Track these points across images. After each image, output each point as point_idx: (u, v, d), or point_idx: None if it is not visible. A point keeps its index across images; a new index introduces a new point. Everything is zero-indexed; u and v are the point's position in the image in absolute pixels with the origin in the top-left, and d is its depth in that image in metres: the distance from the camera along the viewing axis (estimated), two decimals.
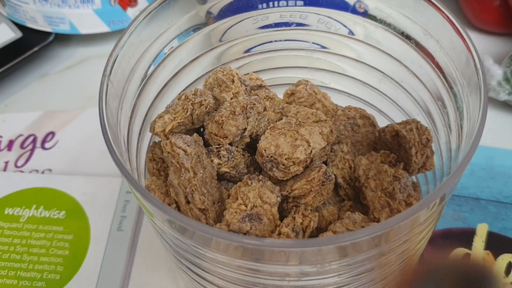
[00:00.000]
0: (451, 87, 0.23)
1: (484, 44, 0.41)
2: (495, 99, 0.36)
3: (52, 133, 0.39)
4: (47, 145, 0.38)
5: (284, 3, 0.31)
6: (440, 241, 0.30)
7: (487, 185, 0.32)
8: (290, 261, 0.17)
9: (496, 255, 0.29)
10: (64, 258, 0.31)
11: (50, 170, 0.37)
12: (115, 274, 0.30)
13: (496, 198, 0.32)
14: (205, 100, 0.26)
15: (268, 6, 0.31)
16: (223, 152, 0.25)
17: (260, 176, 0.24)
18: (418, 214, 0.18)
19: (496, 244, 0.30)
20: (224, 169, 0.25)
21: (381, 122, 0.29)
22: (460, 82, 0.22)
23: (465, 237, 0.30)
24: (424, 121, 0.26)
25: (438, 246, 0.30)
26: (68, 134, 0.39)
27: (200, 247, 0.19)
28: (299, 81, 0.30)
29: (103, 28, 0.42)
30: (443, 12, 0.22)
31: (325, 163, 0.27)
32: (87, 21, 0.42)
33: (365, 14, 0.28)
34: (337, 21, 0.30)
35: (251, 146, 0.27)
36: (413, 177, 0.28)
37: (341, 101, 0.30)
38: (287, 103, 0.29)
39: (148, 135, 0.27)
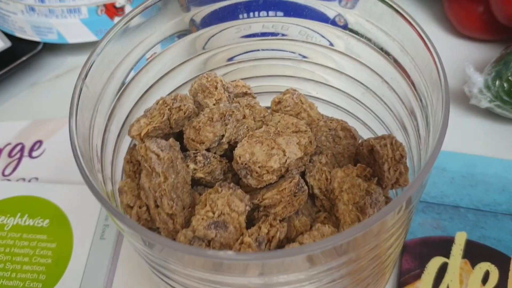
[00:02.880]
0: (423, 106, 0.23)
1: (468, 51, 0.41)
2: (477, 106, 0.36)
3: (39, 142, 0.39)
4: (34, 153, 0.39)
5: (265, 13, 0.31)
6: (419, 250, 0.30)
7: (467, 193, 0.32)
8: (249, 273, 0.17)
9: (473, 263, 0.29)
10: (46, 267, 0.31)
11: (36, 178, 0.37)
12: (97, 283, 0.31)
13: (476, 206, 0.32)
14: (184, 105, 0.26)
15: (249, 16, 0.31)
16: (199, 158, 0.25)
17: (231, 184, 0.25)
18: (384, 219, 0.18)
19: (474, 252, 0.30)
20: (199, 174, 0.26)
21: (366, 135, 0.29)
22: (430, 102, 0.22)
23: (444, 245, 0.30)
24: (401, 137, 0.26)
25: (416, 254, 0.30)
26: (55, 142, 0.39)
27: (165, 258, 0.19)
28: (287, 89, 0.30)
29: (90, 37, 0.43)
30: (416, 29, 0.22)
31: (304, 173, 0.27)
32: (74, 30, 0.42)
33: (345, 27, 0.29)
34: (317, 32, 0.30)
35: (232, 150, 0.27)
36: (394, 193, 0.28)
37: (328, 112, 0.30)
38: (274, 110, 0.29)
39: (129, 137, 0.27)
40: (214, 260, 0.17)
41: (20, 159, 0.38)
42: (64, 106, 0.42)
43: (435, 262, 0.29)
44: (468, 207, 0.32)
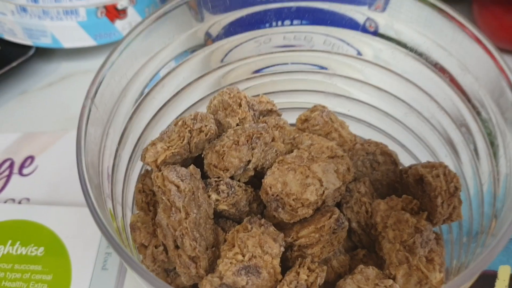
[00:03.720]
0: (489, 134, 0.20)
1: None
2: None
3: (31, 158, 0.37)
4: (25, 170, 0.36)
5: (288, 22, 0.28)
6: None
7: None
8: None
9: None
10: None
11: (28, 199, 0.34)
12: None
13: None
14: (205, 126, 0.23)
15: (271, 26, 0.28)
16: (222, 187, 0.23)
17: (263, 220, 0.22)
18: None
19: None
20: (222, 206, 0.23)
21: (404, 159, 0.27)
22: (500, 130, 0.19)
23: (486, 281, 0.28)
24: (451, 164, 0.23)
25: None
26: (48, 158, 0.36)
27: None
28: (314, 106, 0.28)
29: (89, 41, 0.41)
30: (486, 46, 0.19)
31: (339, 203, 0.24)
32: (71, 34, 0.40)
33: (376, 33, 0.26)
34: (344, 41, 0.27)
35: (256, 176, 0.24)
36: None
37: (361, 131, 0.28)
38: (299, 129, 0.27)
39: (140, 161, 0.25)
40: None
41: (9, 176, 0.36)
42: (58, 117, 0.40)
43: None
44: (510, 238, 0.29)
